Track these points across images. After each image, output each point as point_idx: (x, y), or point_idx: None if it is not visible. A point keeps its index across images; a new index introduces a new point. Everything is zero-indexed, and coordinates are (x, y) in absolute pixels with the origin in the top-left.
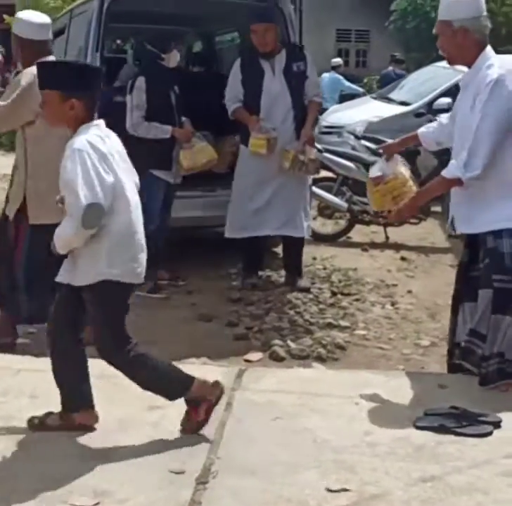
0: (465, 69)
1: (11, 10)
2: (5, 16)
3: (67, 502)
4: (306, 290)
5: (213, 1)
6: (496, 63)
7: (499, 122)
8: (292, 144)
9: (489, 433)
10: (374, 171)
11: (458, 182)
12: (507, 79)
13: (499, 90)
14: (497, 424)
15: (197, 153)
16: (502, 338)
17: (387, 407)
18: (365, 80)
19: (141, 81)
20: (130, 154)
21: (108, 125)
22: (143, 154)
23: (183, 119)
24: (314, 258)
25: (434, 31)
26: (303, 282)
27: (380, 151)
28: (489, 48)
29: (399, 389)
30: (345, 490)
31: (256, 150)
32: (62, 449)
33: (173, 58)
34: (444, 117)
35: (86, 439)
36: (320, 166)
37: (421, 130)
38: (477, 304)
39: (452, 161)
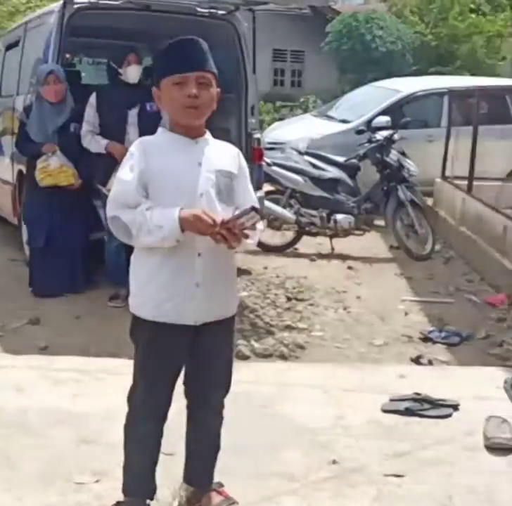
0: (398, 87)
1: None
2: None
3: (70, 480)
4: None
5: (170, 17)
6: None
7: None
8: None
9: (450, 415)
10: None
11: None
12: None
13: None
14: (455, 407)
15: None
16: None
17: (355, 395)
18: (301, 99)
19: (92, 97)
20: None
21: None
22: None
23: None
24: (265, 268)
25: None
26: None
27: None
28: None
29: (363, 380)
30: (331, 463)
31: None
32: (62, 435)
33: (130, 73)
34: None
35: (82, 425)
36: None
37: None
38: None
39: None
